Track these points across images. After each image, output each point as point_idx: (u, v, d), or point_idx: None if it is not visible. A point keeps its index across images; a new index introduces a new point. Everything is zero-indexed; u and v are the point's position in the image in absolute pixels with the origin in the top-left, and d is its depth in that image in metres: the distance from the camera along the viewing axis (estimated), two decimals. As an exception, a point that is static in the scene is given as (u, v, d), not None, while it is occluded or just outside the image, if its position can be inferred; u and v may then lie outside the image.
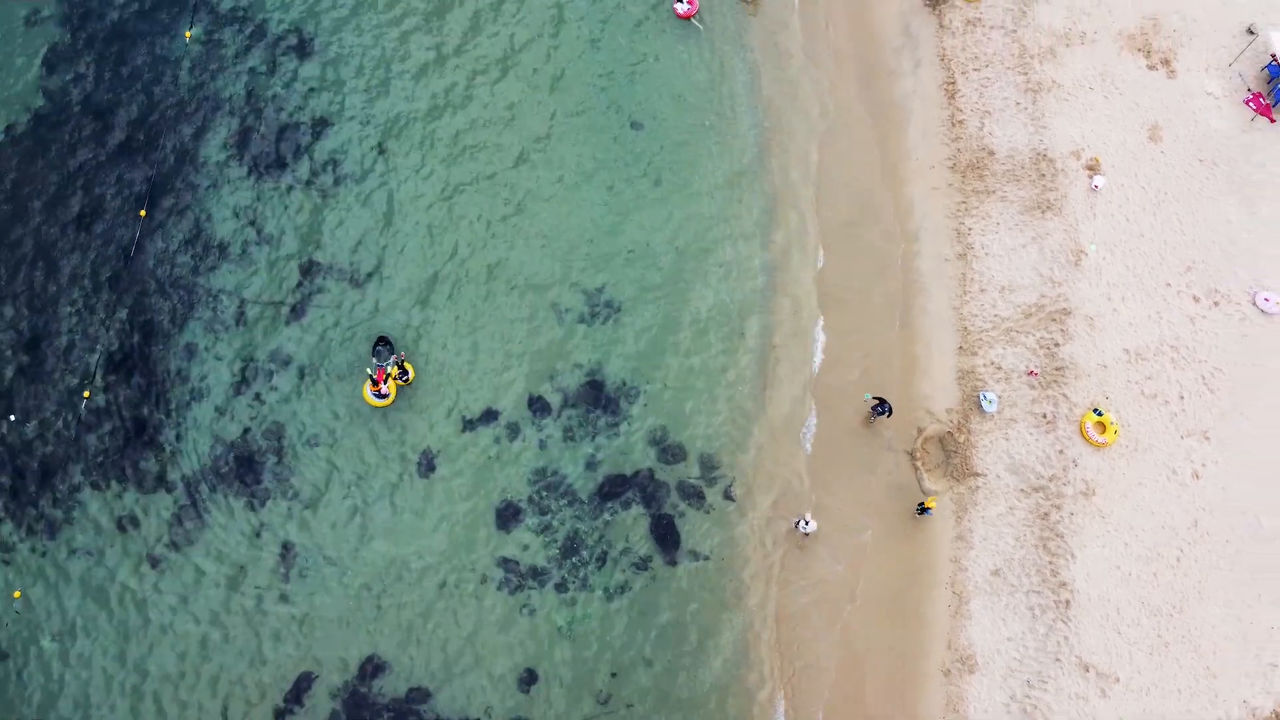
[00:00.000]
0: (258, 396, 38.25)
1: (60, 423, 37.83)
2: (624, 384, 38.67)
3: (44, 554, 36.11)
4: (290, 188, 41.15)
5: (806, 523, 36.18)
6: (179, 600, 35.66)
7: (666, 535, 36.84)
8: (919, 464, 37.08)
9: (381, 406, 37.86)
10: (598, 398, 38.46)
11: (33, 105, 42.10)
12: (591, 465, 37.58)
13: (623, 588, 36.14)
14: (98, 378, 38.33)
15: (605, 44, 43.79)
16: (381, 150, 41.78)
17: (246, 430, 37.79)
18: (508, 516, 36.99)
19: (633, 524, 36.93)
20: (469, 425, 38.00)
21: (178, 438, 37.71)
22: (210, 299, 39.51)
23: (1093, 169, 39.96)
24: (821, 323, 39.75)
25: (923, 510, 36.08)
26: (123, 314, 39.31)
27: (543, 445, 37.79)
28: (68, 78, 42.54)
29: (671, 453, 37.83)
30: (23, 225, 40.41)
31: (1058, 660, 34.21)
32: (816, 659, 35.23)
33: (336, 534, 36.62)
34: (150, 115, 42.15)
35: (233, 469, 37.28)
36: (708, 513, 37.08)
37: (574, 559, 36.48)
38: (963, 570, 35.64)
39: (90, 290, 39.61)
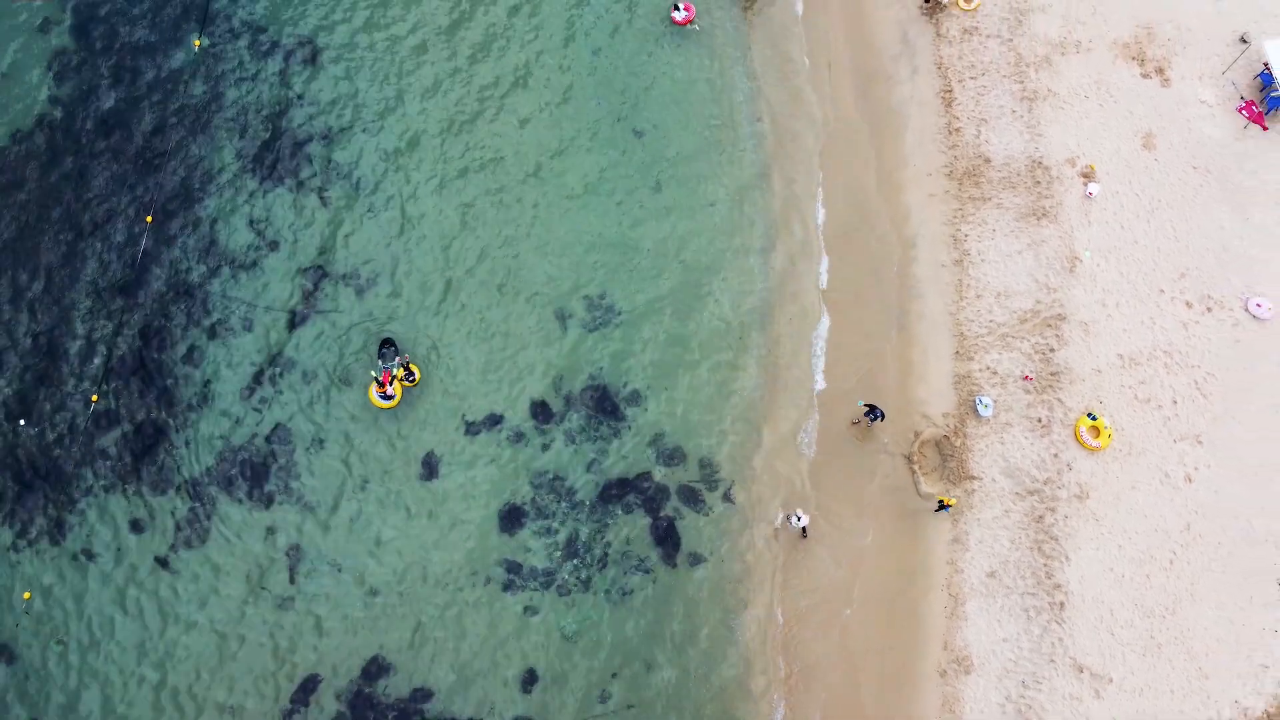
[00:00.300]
0: (265, 401, 38.81)
1: (70, 427, 38.42)
2: (626, 389, 39.16)
3: (53, 557, 36.69)
4: (300, 197, 41.69)
5: (799, 518, 36.64)
6: (187, 602, 36.21)
7: (667, 538, 37.33)
8: (916, 468, 37.47)
9: (387, 408, 38.41)
10: (601, 403, 38.95)
11: (44, 113, 42.66)
12: (593, 469, 38.09)
13: (624, 589, 36.62)
14: (107, 383, 38.91)
15: (612, 57, 44.24)
16: (392, 161, 42.27)
17: (254, 434, 38.35)
18: (511, 519, 37.49)
19: (634, 527, 37.43)
20: (473, 429, 38.51)
21: (186, 442, 38.28)
22: (220, 305, 40.06)
23: (1087, 176, 40.34)
24: (821, 329, 40.23)
25: (941, 507, 36.48)
26: (133, 320, 39.86)
27: (545, 449, 38.29)
28: (79, 86, 43.10)
29: (672, 457, 38.32)
30: (34, 232, 40.97)
31: (1052, 661, 34.58)
32: (815, 660, 35.65)
33: (342, 536, 37.14)
34: (160, 123, 42.69)
35: (240, 472, 37.85)
36: (708, 516, 37.54)
37: (575, 561, 36.96)
38: (959, 572, 36.03)
39: (101, 297, 40.17)
